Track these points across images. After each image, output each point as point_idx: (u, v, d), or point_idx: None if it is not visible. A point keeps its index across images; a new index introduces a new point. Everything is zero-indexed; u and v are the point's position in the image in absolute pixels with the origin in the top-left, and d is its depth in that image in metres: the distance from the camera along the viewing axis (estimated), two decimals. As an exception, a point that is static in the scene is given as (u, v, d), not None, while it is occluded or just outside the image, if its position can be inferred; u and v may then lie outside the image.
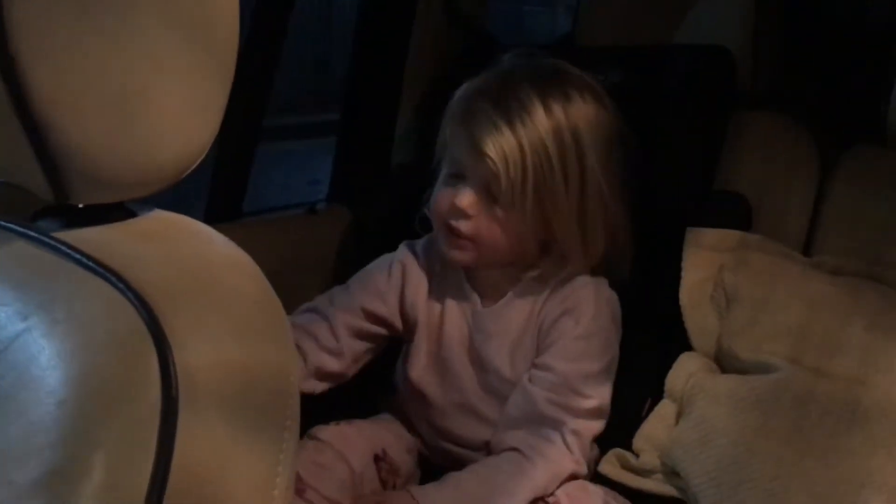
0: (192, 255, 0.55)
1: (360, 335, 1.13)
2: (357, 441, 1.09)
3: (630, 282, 1.22)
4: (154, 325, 0.47)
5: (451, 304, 1.12)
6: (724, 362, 1.15)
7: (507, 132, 0.99)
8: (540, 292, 1.09)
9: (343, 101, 1.57)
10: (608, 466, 1.11)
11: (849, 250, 1.23)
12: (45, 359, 0.46)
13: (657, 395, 1.16)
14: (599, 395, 1.06)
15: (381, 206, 1.44)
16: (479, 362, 1.10)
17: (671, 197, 1.29)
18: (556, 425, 1.02)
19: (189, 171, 0.61)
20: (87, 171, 0.55)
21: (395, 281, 1.14)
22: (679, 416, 1.12)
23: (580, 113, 1.03)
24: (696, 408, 1.09)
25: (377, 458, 1.10)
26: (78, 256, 0.51)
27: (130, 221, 0.58)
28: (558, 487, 1.02)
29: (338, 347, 1.10)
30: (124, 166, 0.56)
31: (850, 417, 1.03)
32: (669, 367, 1.16)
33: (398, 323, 1.15)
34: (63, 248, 0.52)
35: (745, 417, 1.06)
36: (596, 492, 1.04)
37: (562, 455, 1.02)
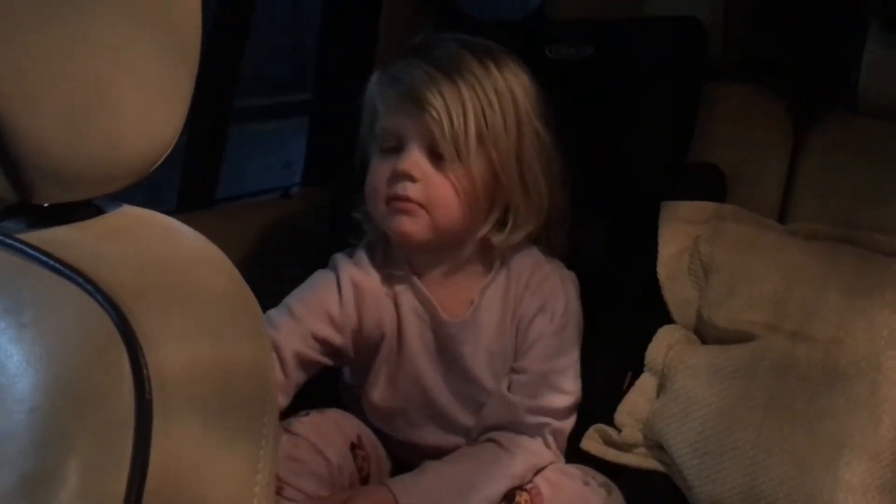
0: (161, 252, 0.54)
1: (307, 365, 1.03)
2: (332, 432, 1.04)
3: (606, 256, 1.24)
4: (124, 326, 0.46)
5: (410, 314, 1.05)
6: (704, 333, 1.16)
7: (443, 80, 0.96)
8: (506, 287, 1.04)
9: (314, 84, 1.55)
10: (590, 443, 1.11)
11: (824, 216, 1.24)
12: (14, 365, 0.45)
13: (637, 368, 1.17)
14: (575, 389, 1.06)
15: (358, 189, 1.42)
16: (454, 372, 1.06)
17: (645, 169, 1.29)
18: (537, 430, 1.03)
19: (156, 164, 0.60)
20: (50, 169, 0.54)
21: (349, 303, 1.03)
22: (660, 388, 1.13)
23: (509, 68, 1.01)
24: (677, 380, 1.10)
25: (353, 447, 1.07)
26: (44, 258, 0.50)
27: (98, 219, 0.57)
28: (536, 474, 1.02)
29: (286, 385, 1.00)
30: (88, 163, 0.55)
31: (829, 380, 1.04)
32: (649, 341, 1.17)
33: (350, 352, 1.06)
34: (28, 249, 0.51)
35: (726, 387, 1.07)
36: (574, 473, 1.04)
37: (541, 448, 1.03)
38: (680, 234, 1.22)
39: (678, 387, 1.10)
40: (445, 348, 1.05)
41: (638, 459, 1.10)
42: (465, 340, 1.04)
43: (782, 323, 1.09)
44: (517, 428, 1.03)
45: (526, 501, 1.00)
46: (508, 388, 1.04)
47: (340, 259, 1.07)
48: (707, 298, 1.16)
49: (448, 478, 0.98)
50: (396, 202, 0.98)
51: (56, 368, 0.45)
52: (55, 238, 0.53)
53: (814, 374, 1.04)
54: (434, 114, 0.95)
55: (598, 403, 1.14)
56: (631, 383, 1.17)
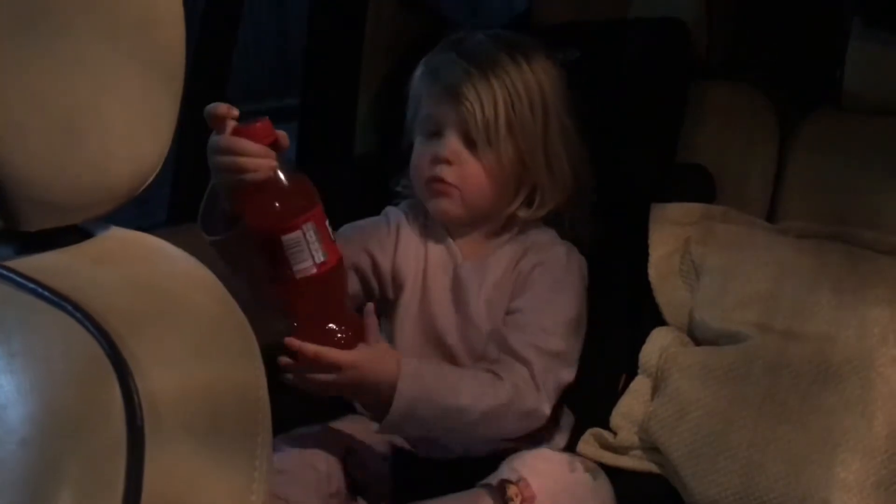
0: (150, 275, 0.54)
1: (360, 279, 1.13)
2: (318, 444, 1.08)
3: (597, 258, 1.24)
4: (114, 353, 0.46)
5: (435, 260, 1.15)
6: (697, 334, 1.16)
7: (477, 74, 1.07)
8: (517, 250, 1.14)
9: (301, 93, 1.55)
10: (586, 446, 1.12)
11: (812, 213, 1.25)
12: (3, 396, 0.45)
13: (632, 371, 1.17)
14: (567, 343, 1.09)
15: (347, 197, 1.43)
16: (462, 317, 1.12)
17: (634, 172, 1.29)
18: (526, 362, 1.06)
19: (143, 186, 0.59)
20: (36, 195, 0.53)
21: (392, 234, 1.15)
22: (654, 391, 1.13)
23: (538, 63, 1.12)
24: (671, 382, 1.10)
25: (343, 457, 1.09)
26: (32, 286, 0.50)
27: (85, 244, 0.57)
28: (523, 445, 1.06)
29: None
30: (75, 188, 0.54)
31: (822, 378, 1.05)
32: (642, 343, 1.17)
33: (388, 281, 1.15)
34: (16, 277, 0.51)
35: (719, 388, 1.07)
36: (560, 460, 1.06)
37: (529, 387, 1.05)
38: (670, 236, 1.22)
39: (672, 389, 1.10)
40: (458, 295, 1.13)
41: (634, 462, 1.10)
42: (471, 286, 1.12)
43: (774, 322, 1.09)
44: (509, 354, 1.07)
45: (516, 494, 1.01)
46: (505, 329, 1.09)
47: (391, 209, 1.20)
48: (699, 299, 1.16)
49: (445, 377, 1.04)
50: (434, 184, 1.10)
51: (46, 398, 0.45)
52: (43, 265, 0.53)
53: (806, 372, 1.05)
54: (468, 105, 1.07)
55: (593, 406, 1.15)
56: (625, 385, 1.17)
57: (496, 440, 1.09)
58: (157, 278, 0.54)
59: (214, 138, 0.91)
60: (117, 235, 0.59)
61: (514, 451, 1.11)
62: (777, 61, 1.47)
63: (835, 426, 1.01)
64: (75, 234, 0.58)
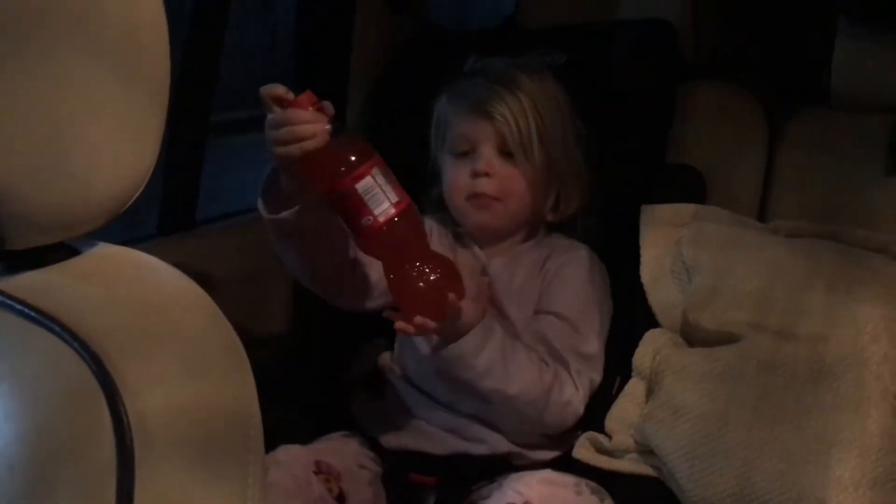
0: (138, 293, 0.54)
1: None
2: (290, 457, 1.10)
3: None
4: (102, 373, 0.46)
5: (464, 261, 1.19)
6: (690, 335, 1.16)
7: (507, 94, 1.15)
8: (541, 252, 1.20)
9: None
10: (582, 451, 1.11)
11: (803, 212, 1.25)
12: (-9, 420, 0.45)
13: (626, 373, 1.17)
14: (599, 345, 1.16)
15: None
16: (493, 307, 1.15)
17: (624, 174, 1.29)
18: (565, 363, 1.12)
19: (130, 203, 0.59)
20: (22, 214, 0.53)
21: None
22: (649, 393, 1.13)
23: (549, 80, 1.21)
24: (665, 384, 1.10)
25: (317, 470, 1.11)
26: (18, 306, 0.50)
27: (72, 261, 0.57)
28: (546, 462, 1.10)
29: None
30: (60, 206, 0.54)
31: (816, 377, 1.05)
32: (636, 345, 1.17)
33: None
34: (1, 297, 0.51)
35: (714, 389, 1.07)
36: (566, 482, 1.05)
37: (569, 381, 1.11)
38: (661, 237, 1.22)
39: (667, 391, 1.10)
40: (490, 291, 1.16)
41: (630, 465, 1.10)
42: (501, 282, 1.18)
43: (767, 322, 1.09)
44: (551, 353, 1.12)
45: None
46: (540, 329, 1.14)
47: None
48: (691, 300, 1.16)
49: (508, 346, 1.08)
50: (475, 199, 1.16)
51: (33, 421, 0.45)
52: (29, 284, 0.53)
53: (800, 372, 1.05)
54: (502, 120, 1.14)
55: (588, 409, 1.15)
56: (620, 388, 1.17)
57: (521, 428, 1.13)
58: (145, 296, 0.54)
59: (271, 116, 0.97)
60: (105, 252, 0.59)
61: (517, 455, 1.14)
62: (764, 60, 1.47)
63: (829, 425, 1.01)
64: (62, 251, 0.57)
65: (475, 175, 1.15)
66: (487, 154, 1.15)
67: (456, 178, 1.17)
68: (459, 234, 1.23)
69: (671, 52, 1.35)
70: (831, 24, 1.27)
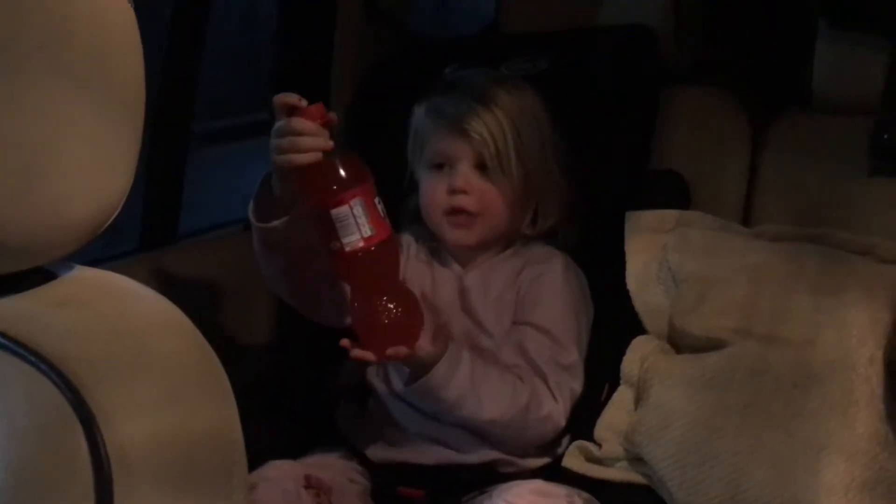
0: (116, 318, 0.53)
1: None
2: (280, 472, 1.10)
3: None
4: (79, 403, 0.45)
5: (441, 274, 1.21)
6: (678, 341, 1.16)
7: (484, 112, 1.14)
8: (517, 263, 1.19)
9: (270, 112, 1.53)
10: (572, 460, 1.11)
11: (787, 216, 1.25)
12: (-35, 455, 0.43)
13: (614, 380, 1.17)
14: (578, 355, 1.15)
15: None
16: (470, 318, 1.18)
17: (608, 180, 1.29)
18: (544, 376, 1.12)
19: (105, 225, 0.58)
20: (-5, 240, 0.52)
21: (402, 256, 1.20)
22: (637, 401, 1.13)
23: (527, 94, 1.20)
24: (653, 391, 1.10)
25: (306, 484, 1.10)
26: (-8, 336, 0.48)
27: (49, 286, 0.56)
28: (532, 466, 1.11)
29: None
30: (34, 232, 0.53)
31: (804, 382, 1.05)
32: (623, 352, 1.16)
33: None
34: (-24, 327, 0.49)
35: (702, 396, 1.07)
36: (558, 493, 1.04)
37: (547, 395, 1.11)
38: (646, 244, 1.22)
39: (655, 398, 1.09)
40: (466, 303, 1.19)
41: (620, 473, 1.09)
42: (477, 293, 1.18)
43: (754, 327, 1.09)
44: (530, 365, 1.13)
45: None
46: (519, 340, 1.14)
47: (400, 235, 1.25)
48: (678, 307, 1.16)
49: (478, 372, 1.08)
50: (452, 215, 1.16)
51: (9, 455, 0.44)
52: (4, 311, 0.52)
53: (788, 377, 1.05)
54: (479, 138, 1.13)
55: (577, 416, 1.14)
56: (608, 395, 1.16)
57: (505, 444, 1.13)
58: (123, 321, 0.53)
59: (277, 123, 0.99)
60: (82, 276, 0.58)
61: (506, 463, 1.13)
62: (746, 64, 1.47)
63: (818, 429, 1.01)
64: (38, 276, 0.56)
65: (452, 191, 1.15)
66: (464, 170, 1.14)
67: (433, 193, 1.17)
68: (436, 248, 1.22)
69: (653, 57, 1.35)
70: (812, 27, 1.27)
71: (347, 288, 1.09)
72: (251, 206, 1.05)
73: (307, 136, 0.96)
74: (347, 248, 0.98)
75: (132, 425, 0.47)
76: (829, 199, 1.22)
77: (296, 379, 1.36)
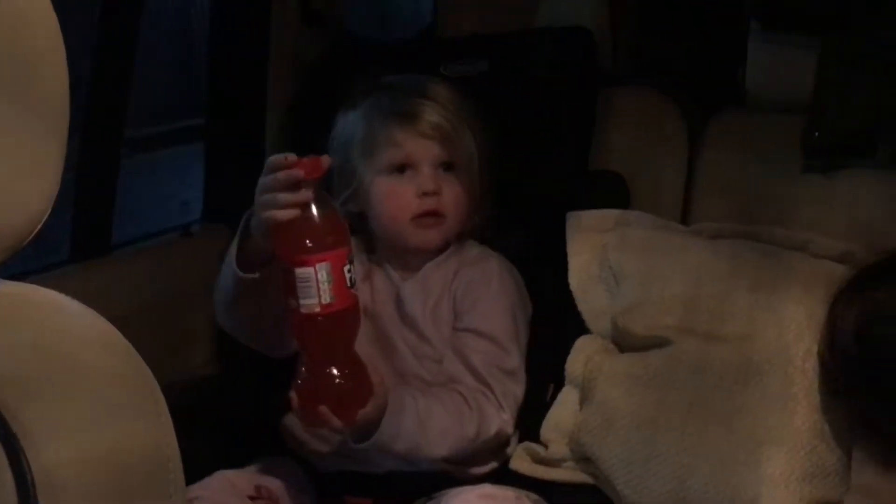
0: (43, 335, 0.50)
1: None
2: (227, 483, 1.08)
3: (520, 269, 1.22)
4: (2, 427, 0.42)
5: (379, 285, 1.19)
6: (621, 341, 1.16)
7: (440, 108, 1.14)
8: (451, 265, 1.18)
9: (207, 117, 1.51)
10: (519, 462, 1.11)
11: (725, 214, 1.26)
12: None
13: (559, 381, 1.17)
14: (519, 358, 1.15)
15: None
16: (410, 328, 1.16)
17: (548, 181, 1.29)
18: (489, 386, 1.11)
19: (32, 235, 0.56)
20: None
21: None
22: (582, 401, 1.13)
23: (462, 92, 1.20)
24: (598, 391, 1.10)
25: (255, 495, 1.09)
26: None
27: (-31, 303, 0.53)
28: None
29: None
30: (-47, 245, 0.50)
31: (744, 377, 1.06)
32: (567, 352, 1.17)
33: None
34: None
35: (646, 395, 1.08)
36: (507, 496, 1.04)
37: (494, 411, 1.10)
38: (587, 244, 1.22)
39: (599, 398, 1.10)
40: (404, 312, 1.17)
41: (568, 474, 1.10)
42: (415, 302, 1.17)
43: (694, 325, 1.10)
44: (473, 375, 1.12)
45: None
46: (461, 348, 1.13)
47: None
48: (620, 306, 1.17)
49: (423, 416, 1.06)
50: (424, 217, 1.14)
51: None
52: (-79, 331, 0.49)
53: (729, 373, 1.06)
54: (442, 135, 1.13)
55: (524, 418, 1.14)
56: (553, 396, 1.17)
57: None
58: (49, 338, 0.50)
59: (262, 180, 0.98)
60: (5, 291, 0.55)
61: (455, 469, 1.12)
62: (682, 64, 1.49)
63: (759, 424, 1.02)
64: (-42, 292, 0.53)
65: (424, 194, 1.13)
66: (431, 172, 1.14)
67: (398, 198, 1.14)
68: (374, 258, 1.21)
69: (590, 58, 1.35)
70: (745, 28, 1.29)
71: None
72: (232, 251, 1.04)
73: (283, 192, 0.95)
74: (303, 311, 0.96)
75: (61, 448, 0.44)
76: (765, 196, 1.24)
77: (238, 389, 1.33)
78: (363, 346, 1.12)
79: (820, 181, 1.22)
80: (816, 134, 1.20)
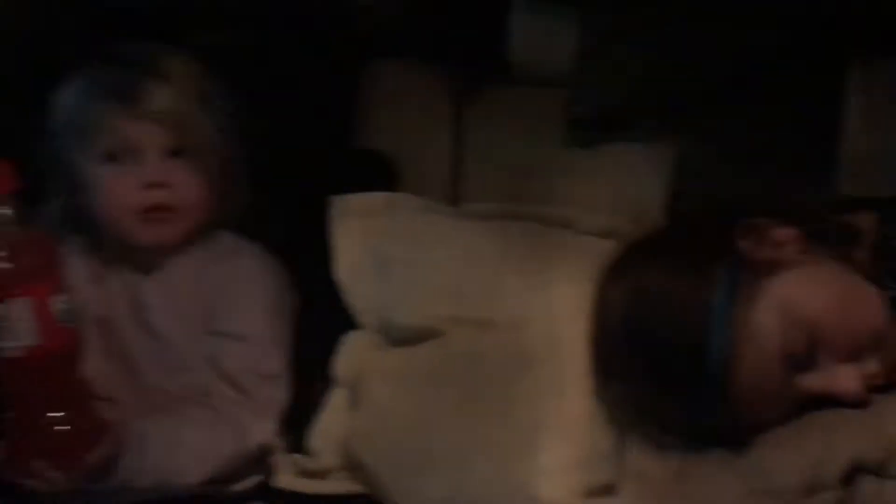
0: None
1: None
2: None
3: (282, 261, 1.13)
4: None
5: (112, 288, 1.08)
6: (392, 335, 1.09)
7: (165, 85, 1.03)
8: (201, 258, 1.09)
9: None
10: (283, 477, 1.02)
11: (494, 193, 1.22)
12: None
13: (327, 384, 1.08)
14: (283, 361, 1.07)
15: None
16: (151, 335, 1.07)
17: (309, 164, 1.21)
18: (248, 393, 1.03)
19: None
20: None
21: None
22: (354, 403, 1.05)
23: (199, 68, 1.09)
24: (368, 392, 1.03)
25: None
26: None
27: None
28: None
29: None
30: None
31: (519, 365, 1.02)
32: (335, 350, 1.08)
33: None
34: None
35: (419, 392, 1.02)
36: None
37: (253, 423, 1.02)
38: (355, 231, 1.14)
39: (371, 399, 1.03)
40: (144, 318, 1.07)
41: (337, 486, 1.01)
42: (157, 305, 1.07)
43: (466, 313, 1.05)
44: (224, 385, 1.04)
45: None
46: (214, 354, 1.05)
47: None
48: (389, 296, 1.09)
49: (170, 442, 0.99)
50: (150, 212, 1.03)
51: None
52: None
53: (503, 362, 1.02)
54: (170, 118, 1.02)
55: (289, 426, 1.06)
56: (322, 400, 1.08)
57: None
58: None
59: None
60: None
61: (213, 489, 1.00)
62: (446, 35, 1.44)
63: (534, 413, 0.99)
64: None
65: (146, 186, 1.02)
66: (159, 161, 1.03)
67: (117, 192, 1.03)
68: (106, 256, 1.09)
69: (348, 30, 1.27)
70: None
71: None
72: None
73: None
74: (5, 355, 0.85)
75: None
76: (532, 173, 1.21)
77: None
78: (96, 361, 1.02)
79: (584, 156, 1.21)
80: (579, 108, 1.19)
